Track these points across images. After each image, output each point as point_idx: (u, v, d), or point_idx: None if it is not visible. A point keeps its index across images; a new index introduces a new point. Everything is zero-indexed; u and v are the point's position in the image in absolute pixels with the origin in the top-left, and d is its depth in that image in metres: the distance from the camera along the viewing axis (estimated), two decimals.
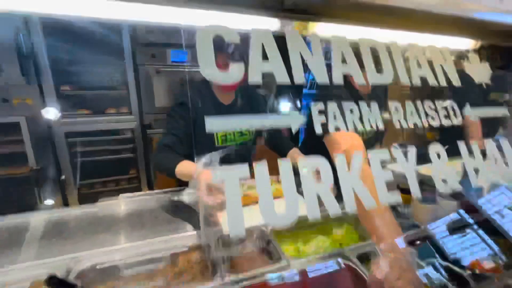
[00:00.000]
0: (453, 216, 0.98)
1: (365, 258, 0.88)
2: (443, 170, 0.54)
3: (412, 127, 0.49)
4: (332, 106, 0.48)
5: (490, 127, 1.97)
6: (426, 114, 0.52)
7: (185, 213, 1.10)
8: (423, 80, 0.50)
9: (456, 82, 0.53)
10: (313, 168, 0.49)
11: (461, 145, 0.54)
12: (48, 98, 2.30)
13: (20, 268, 0.77)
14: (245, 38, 0.48)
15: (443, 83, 0.51)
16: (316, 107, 0.48)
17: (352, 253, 0.88)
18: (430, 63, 0.50)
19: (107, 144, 2.59)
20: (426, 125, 0.51)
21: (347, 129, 0.47)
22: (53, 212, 1.09)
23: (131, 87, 2.49)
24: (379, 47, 0.52)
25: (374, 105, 0.50)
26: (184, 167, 1.08)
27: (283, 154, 1.48)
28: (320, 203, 0.50)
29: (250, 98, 1.57)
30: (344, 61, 0.52)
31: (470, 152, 0.56)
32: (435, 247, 0.88)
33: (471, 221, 0.95)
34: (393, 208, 1.07)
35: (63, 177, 2.52)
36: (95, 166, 2.59)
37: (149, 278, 0.82)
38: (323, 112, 0.48)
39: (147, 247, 0.90)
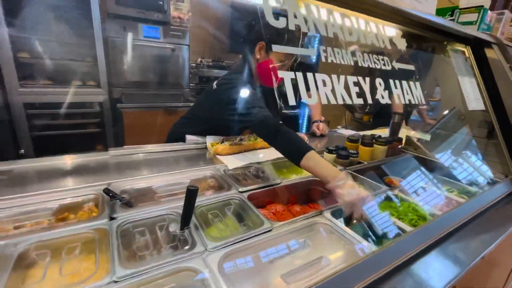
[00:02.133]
0: None
1: None
2: None
3: None
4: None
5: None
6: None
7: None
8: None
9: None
10: None
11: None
12: (4, 65, 2.13)
13: (69, 189, 0.93)
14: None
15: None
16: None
17: None
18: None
19: (72, 118, 2.51)
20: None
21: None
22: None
23: (100, 59, 2.46)
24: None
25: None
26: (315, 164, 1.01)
27: None
28: None
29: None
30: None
31: None
32: None
33: None
34: (346, 151, 1.49)
35: (22, 151, 2.37)
36: (58, 140, 2.49)
37: (177, 196, 1.05)
38: None
39: (171, 177, 1.12)
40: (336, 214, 0.94)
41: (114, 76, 2.59)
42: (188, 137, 1.58)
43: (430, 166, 1.62)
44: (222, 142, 1.45)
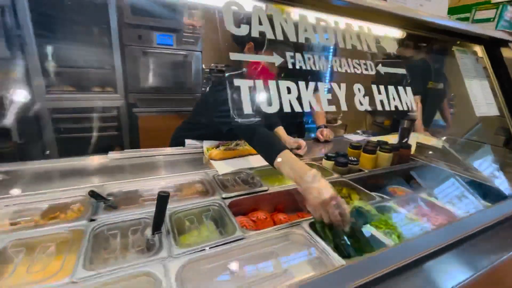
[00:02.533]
0: None
1: None
2: None
3: None
4: None
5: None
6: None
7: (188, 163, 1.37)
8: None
9: (374, 49, 0.86)
10: None
11: None
12: (33, 73, 2.35)
13: (58, 191, 0.99)
14: None
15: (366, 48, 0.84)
16: None
17: None
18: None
19: (92, 122, 2.70)
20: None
21: None
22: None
23: (117, 66, 2.62)
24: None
25: None
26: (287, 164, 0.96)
27: (271, 129, 1.78)
28: None
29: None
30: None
31: None
32: None
33: None
34: (345, 158, 1.43)
35: (47, 152, 2.58)
36: (80, 142, 2.68)
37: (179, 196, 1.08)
38: None
39: (160, 181, 1.15)
40: (315, 224, 0.90)
41: (130, 82, 2.74)
42: (187, 141, 1.61)
43: (441, 176, 1.50)
44: (217, 147, 1.46)
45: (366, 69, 0.88)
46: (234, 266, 0.72)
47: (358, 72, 0.86)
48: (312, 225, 0.90)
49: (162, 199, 0.80)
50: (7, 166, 1.16)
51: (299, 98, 0.74)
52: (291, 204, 1.20)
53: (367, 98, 0.85)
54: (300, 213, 1.15)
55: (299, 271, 0.71)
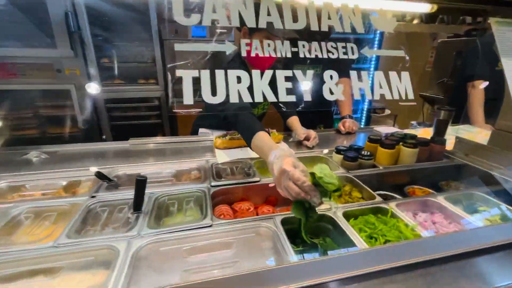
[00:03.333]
0: None
1: None
2: None
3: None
4: None
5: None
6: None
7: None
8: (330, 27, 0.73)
9: (360, 29, 0.75)
10: None
11: None
12: (91, 69, 2.75)
13: (72, 170, 1.16)
14: None
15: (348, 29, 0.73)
16: None
17: None
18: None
19: (138, 110, 3.04)
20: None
21: None
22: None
23: (158, 60, 2.86)
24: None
25: None
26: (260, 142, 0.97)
27: (285, 118, 1.74)
28: None
29: None
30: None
31: None
32: None
33: None
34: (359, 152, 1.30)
35: (104, 137, 3.03)
36: (129, 129, 3.06)
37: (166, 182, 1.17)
38: None
39: (162, 166, 1.25)
40: (286, 221, 0.87)
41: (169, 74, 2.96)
42: (201, 130, 1.69)
43: (481, 178, 1.24)
44: (224, 136, 1.49)
45: (345, 53, 0.77)
46: (189, 251, 0.75)
47: (334, 56, 0.76)
48: (284, 221, 0.87)
49: (140, 183, 0.88)
50: (57, 147, 1.42)
51: (274, 87, 0.70)
52: (283, 196, 1.16)
53: (341, 86, 0.75)
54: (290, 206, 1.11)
55: (253, 264, 0.70)
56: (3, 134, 2.82)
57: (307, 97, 0.74)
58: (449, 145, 1.45)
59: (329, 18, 0.73)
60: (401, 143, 1.36)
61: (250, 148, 1.00)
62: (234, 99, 0.63)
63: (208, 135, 1.64)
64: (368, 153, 1.31)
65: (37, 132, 2.81)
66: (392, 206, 0.96)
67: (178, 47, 0.65)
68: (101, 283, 0.62)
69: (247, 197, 1.12)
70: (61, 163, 1.26)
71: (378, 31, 3.40)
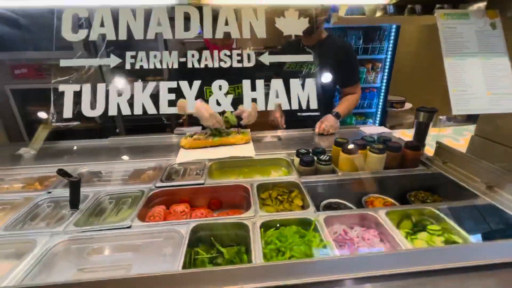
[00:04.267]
0: None
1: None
2: None
3: None
4: None
5: None
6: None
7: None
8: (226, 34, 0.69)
9: (262, 34, 0.69)
10: None
11: None
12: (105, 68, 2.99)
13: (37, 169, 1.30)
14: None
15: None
16: None
17: None
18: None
19: None
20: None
21: None
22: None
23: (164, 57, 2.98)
24: None
25: None
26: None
27: None
28: None
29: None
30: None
31: None
32: None
33: None
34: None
35: (117, 130, 3.30)
36: (139, 124, 3.28)
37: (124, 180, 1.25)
38: None
39: (123, 165, 1.33)
40: (201, 227, 0.88)
41: None
42: (177, 128, 1.75)
43: (453, 191, 1.10)
44: (191, 136, 1.52)
45: (241, 61, 0.73)
46: (96, 250, 0.80)
47: (227, 65, 0.72)
48: (198, 227, 0.88)
49: (73, 184, 0.95)
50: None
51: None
52: (228, 200, 1.16)
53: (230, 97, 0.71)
54: (236, 210, 1.11)
55: (138, 269, 0.73)
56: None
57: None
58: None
59: (226, 24, 0.70)
60: (368, 148, 1.25)
61: None
62: (113, 111, 0.65)
63: (183, 134, 1.68)
64: (327, 158, 1.23)
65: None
66: (320, 218, 0.90)
67: (63, 63, 0.69)
68: (7, 271, 0.70)
69: (190, 200, 1.14)
70: (41, 159, 1.42)
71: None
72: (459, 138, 1.51)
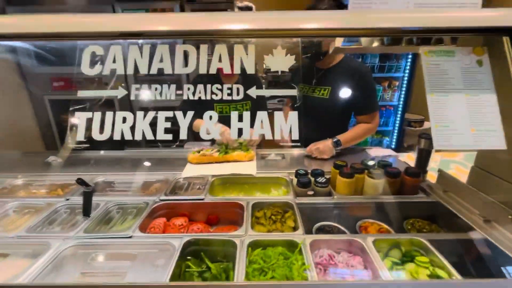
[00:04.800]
0: None
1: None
2: None
3: None
4: None
5: None
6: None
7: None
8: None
9: (251, 70, 0.77)
10: None
11: None
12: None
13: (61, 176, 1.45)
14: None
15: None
16: None
17: None
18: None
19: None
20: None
21: None
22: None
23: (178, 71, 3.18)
24: None
25: None
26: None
27: None
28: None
29: (247, 82, 1.92)
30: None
31: None
32: None
33: None
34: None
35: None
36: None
37: (133, 192, 1.37)
38: None
39: (133, 176, 1.46)
40: (194, 243, 0.94)
41: None
42: (188, 142, 1.86)
43: (450, 222, 1.08)
44: (198, 151, 1.62)
45: (230, 94, 0.80)
46: (99, 257, 0.90)
47: (217, 97, 0.80)
48: (191, 242, 0.94)
49: (86, 194, 1.08)
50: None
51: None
52: (226, 216, 1.22)
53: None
54: (232, 226, 1.17)
55: (132, 276, 0.81)
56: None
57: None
58: None
59: (220, 60, 0.79)
60: (366, 172, 1.27)
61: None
62: (117, 136, 0.75)
63: (192, 148, 1.79)
64: (324, 180, 1.26)
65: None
66: (307, 241, 0.94)
67: (80, 93, 0.81)
68: (22, 270, 0.81)
69: (190, 214, 1.22)
70: (66, 167, 1.59)
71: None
72: (468, 165, 1.46)
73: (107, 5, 3.31)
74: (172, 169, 1.54)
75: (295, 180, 1.34)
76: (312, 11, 1.25)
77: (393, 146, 3.59)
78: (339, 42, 1.07)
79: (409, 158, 1.65)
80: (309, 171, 1.36)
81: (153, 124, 0.82)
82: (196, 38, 0.81)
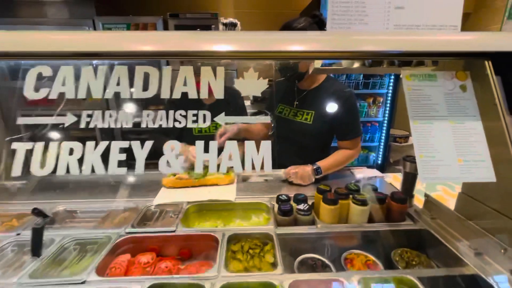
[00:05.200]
0: None
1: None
2: None
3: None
4: None
5: None
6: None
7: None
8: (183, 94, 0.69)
9: (220, 95, 0.69)
10: None
11: None
12: None
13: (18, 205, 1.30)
14: None
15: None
16: None
17: None
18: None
19: None
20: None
21: None
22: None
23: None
24: None
25: None
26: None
27: None
28: None
29: (228, 101, 1.84)
30: None
31: None
32: None
33: None
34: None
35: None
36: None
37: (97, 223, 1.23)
38: None
39: (101, 204, 1.32)
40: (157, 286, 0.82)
41: None
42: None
43: (440, 252, 1.01)
44: (173, 175, 1.51)
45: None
46: None
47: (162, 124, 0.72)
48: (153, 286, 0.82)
49: (35, 231, 0.94)
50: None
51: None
52: (200, 249, 1.11)
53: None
54: (200, 262, 1.05)
55: None
56: None
57: None
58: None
59: (185, 84, 0.71)
60: (351, 197, 1.19)
61: None
62: (61, 171, 0.64)
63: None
64: (306, 208, 1.17)
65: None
66: (286, 283, 0.83)
67: (20, 120, 0.70)
68: None
69: (159, 248, 1.10)
70: (25, 193, 1.43)
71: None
72: (455, 187, 1.41)
73: (87, 19, 3.23)
74: (145, 194, 1.41)
75: (276, 206, 1.25)
76: (292, 32, 1.21)
77: (379, 162, 3.58)
78: (318, 63, 1.01)
79: (395, 179, 1.60)
80: (292, 195, 1.28)
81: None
82: (166, 58, 0.73)
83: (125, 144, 0.67)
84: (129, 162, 0.71)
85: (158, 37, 0.76)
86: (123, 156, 0.67)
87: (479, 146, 0.70)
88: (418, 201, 1.29)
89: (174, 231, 1.11)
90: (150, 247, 1.09)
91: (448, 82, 0.75)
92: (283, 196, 1.26)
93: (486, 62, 0.76)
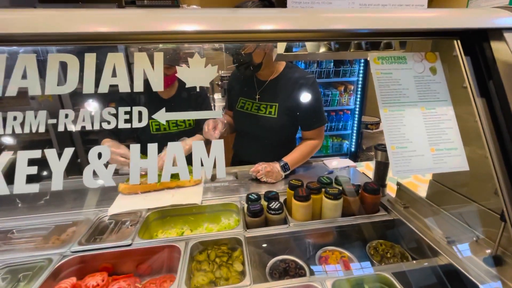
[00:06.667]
0: None
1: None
2: None
3: None
4: None
5: None
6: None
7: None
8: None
9: (159, 87, 0.57)
10: None
11: None
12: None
13: None
14: None
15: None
16: None
17: None
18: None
19: None
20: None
21: None
22: None
23: None
24: None
25: None
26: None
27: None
28: None
29: (189, 94, 1.68)
30: None
31: None
32: None
33: None
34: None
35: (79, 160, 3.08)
36: None
37: (34, 242, 1.06)
38: None
39: (44, 219, 1.14)
40: None
41: None
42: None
43: (413, 242, 0.98)
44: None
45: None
46: None
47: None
48: None
49: None
50: None
51: None
52: (160, 262, 0.99)
53: None
54: (161, 277, 0.93)
55: None
56: None
57: None
58: None
59: (114, 75, 0.57)
60: (323, 191, 1.13)
61: None
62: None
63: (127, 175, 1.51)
64: (277, 206, 1.09)
65: None
66: None
67: None
68: None
69: (113, 265, 0.96)
70: None
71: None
72: (426, 173, 1.41)
73: (29, 8, 2.84)
74: (98, 203, 1.25)
75: (245, 207, 1.16)
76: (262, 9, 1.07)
77: (352, 149, 3.62)
78: (281, 48, 0.91)
79: (368, 168, 1.57)
80: (262, 193, 1.19)
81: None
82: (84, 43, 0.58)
83: (36, 153, 0.53)
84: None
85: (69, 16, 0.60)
86: (33, 170, 0.52)
87: (451, 133, 0.65)
88: (391, 189, 1.26)
89: (130, 245, 0.97)
90: (101, 266, 0.95)
91: (417, 64, 0.68)
92: (253, 195, 1.17)
93: (455, 41, 0.70)
